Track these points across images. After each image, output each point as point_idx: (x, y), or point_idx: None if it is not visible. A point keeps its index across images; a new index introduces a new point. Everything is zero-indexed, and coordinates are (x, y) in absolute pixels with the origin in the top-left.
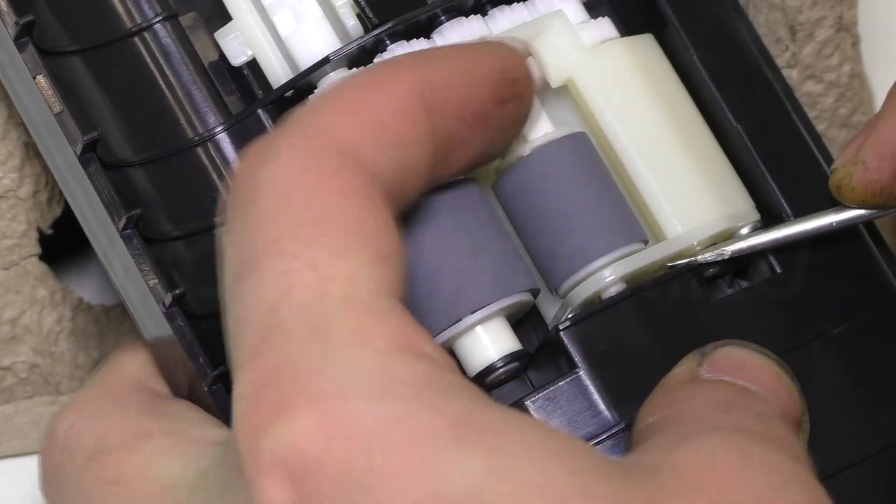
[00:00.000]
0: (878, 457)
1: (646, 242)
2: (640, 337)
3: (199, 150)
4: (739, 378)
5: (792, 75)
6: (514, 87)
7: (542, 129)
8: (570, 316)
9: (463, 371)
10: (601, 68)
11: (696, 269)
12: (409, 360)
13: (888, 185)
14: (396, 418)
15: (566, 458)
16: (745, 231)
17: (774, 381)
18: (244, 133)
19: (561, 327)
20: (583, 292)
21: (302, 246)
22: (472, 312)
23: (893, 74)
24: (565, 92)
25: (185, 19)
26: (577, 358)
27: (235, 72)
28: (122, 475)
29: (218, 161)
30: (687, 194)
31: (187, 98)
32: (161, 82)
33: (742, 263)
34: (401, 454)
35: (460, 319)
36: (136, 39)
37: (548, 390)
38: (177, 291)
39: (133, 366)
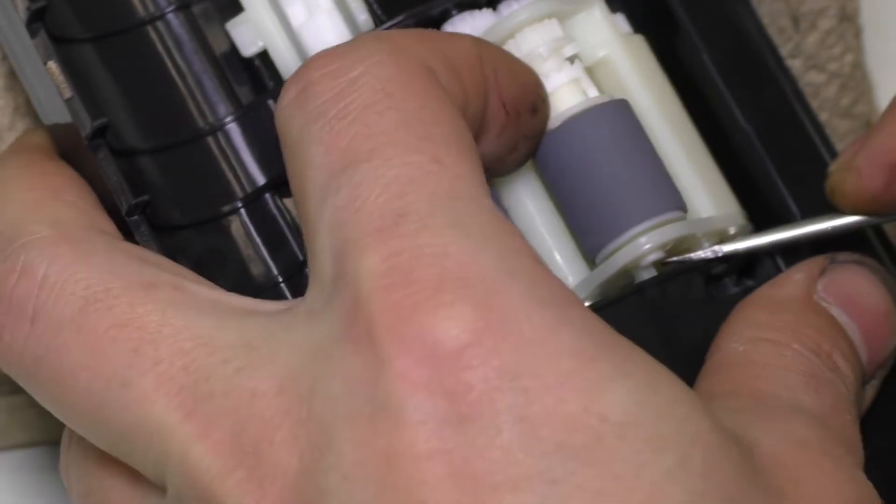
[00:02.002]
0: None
1: (685, 211)
2: (642, 334)
3: (209, 140)
4: (848, 311)
5: (795, 65)
6: (543, 103)
7: (588, 94)
8: (586, 303)
9: None
10: (634, 53)
11: (701, 267)
12: (550, 272)
13: (880, 193)
14: (552, 326)
15: (704, 412)
16: (732, 231)
17: (881, 322)
18: (254, 124)
19: None
20: (619, 260)
21: (422, 140)
22: None
23: (888, 63)
24: (595, 72)
25: (199, 9)
26: None
27: (247, 62)
28: (135, 318)
29: (227, 151)
30: (714, 181)
31: (198, 88)
32: (172, 72)
33: (748, 263)
34: (557, 366)
35: None
36: (149, 28)
37: None
38: None
39: (79, 196)
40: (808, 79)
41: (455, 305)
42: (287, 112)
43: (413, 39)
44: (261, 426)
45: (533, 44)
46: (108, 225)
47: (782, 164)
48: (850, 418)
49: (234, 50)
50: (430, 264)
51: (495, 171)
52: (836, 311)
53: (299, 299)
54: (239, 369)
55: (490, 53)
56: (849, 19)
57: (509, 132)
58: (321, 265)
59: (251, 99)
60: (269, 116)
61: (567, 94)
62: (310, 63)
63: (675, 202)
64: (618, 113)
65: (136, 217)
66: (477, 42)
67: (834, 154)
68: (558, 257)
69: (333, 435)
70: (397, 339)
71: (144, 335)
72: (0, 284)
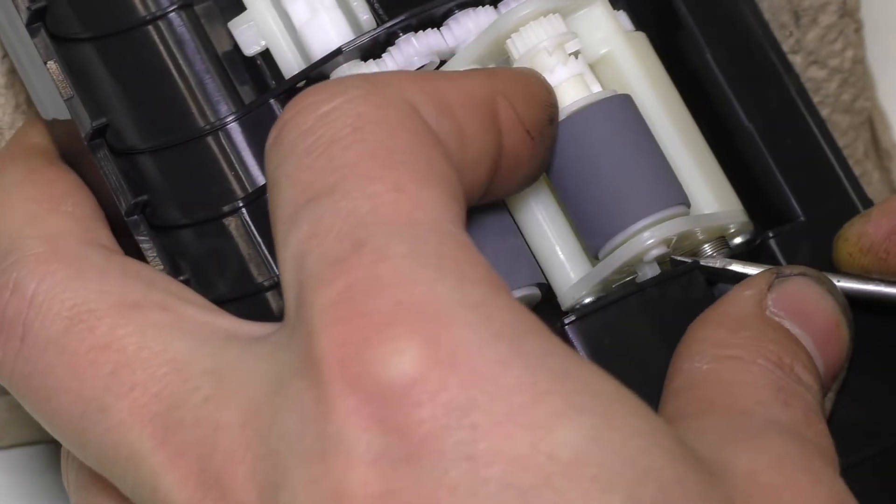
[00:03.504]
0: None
1: (688, 206)
2: (645, 333)
3: (210, 139)
4: (800, 323)
5: (795, 61)
6: (555, 109)
7: (591, 89)
8: (586, 302)
9: None
10: (637, 50)
11: (700, 265)
12: (510, 300)
13: (878, 243)
14: (504, 359)
15: (665, 443)
16: (739, 239)
17: (832, 332)
18: (255, 123)
19: (567, 321)
20: (623, 255)
21: (385, 169)
22: None
23: (889, 58)
24: (598, 68)
25: (201, 8)
26: (581, 352)
27: (249, 62)
28: (115, 340)
29: (228, 150)
30: (716, 178)
31: (199, 87)
32: (173, 71)
33: (754, 260)
34: (507, 402)
35: None
36: (150, 28)
37: None
38: (181, 278)
39: (80, 208)
40: (809, 74)
41: (404, 340)
42: (267, 153)
43: (399, 77)
44: (225, 459)
45: (537, 38)
46: (106, 236)
47: (785, 163)
48: (822, 427)
49: (236, 49)
50: (383, 296)
51: (532, 181)
52: (789, 324)
53: (279, 325)
54: (207, 399)
55: (505, 84)
56: (849, 15)
57: (539, 152)
58: (288, 297)
59: (253, 98)
60: (271, 116)
61: (571, 89)
62: (290, 103)
63: (678, 197)
64: (621, 108)
65: (135, 217)
66: (490, 77)
67: (837, 151)
68: (561, 253)
69: (287, 472)
70: (346, 375)
71: (122, 358)
72: None
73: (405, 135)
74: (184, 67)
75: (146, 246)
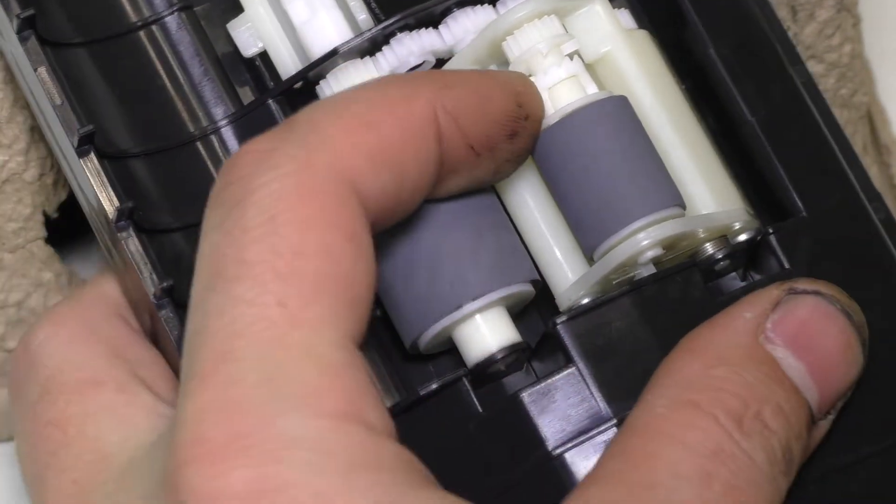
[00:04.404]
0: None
1: (683, 208)
2: (639, 333)
3: (200, 144)
4: (798, 351)
5: None
6: (527, 122)
7: (587, 90)
8: (583, 302)
9: (463, 363)
10: (637, 49)
11: (700, 263)
12: (351, 430)
13: None
14: (324, 495)
15: None
16: (744, 236)
17: (838, 356)
18: (253, 124)
19: (558, 321)
20: (618, 256)
21: (277, 278)
22: (472, 301)
23: (889, 54)
24: (591, 70)
25: (202, 10)
26: (572, 353)
27: (249, 63)
28: (63, 420)
29: (221, 154)
30: (716, 178)
31: (194, 91)
32: (166, 75)
33: (751, 257)
34: None
35: (460, 307)
36: (143, 33)
37: (542, 384)
38: (164, 284)
39: (114, 291)
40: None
41: (233, 471)
42: (206, 209)
43: (345, 133)
44: None
45: (533, 40)
46: (128, 313)
47: (787, 157)
48: (751, 497)
49: (236, 50)
50: (224, 423)
51: (484, 185)
52: (781, 353)
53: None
54: (107, 495)
55: (454, 100)
56: (847, 9)
57: (484, 165)
58: (181, 373)
59: (253, 99)
60: (269, 117)
61: (566, 91)
62: (228, 162)
63: (673, 198)
64: (616, 109)
65: (122, 222)
66: (437, 94)
67: (844, 144)
68: (558, 252)
69: None
70: (176, 495)
71: (64, 439)
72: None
73: (317, 232)
74: (177, 71)
75: (132, 249)
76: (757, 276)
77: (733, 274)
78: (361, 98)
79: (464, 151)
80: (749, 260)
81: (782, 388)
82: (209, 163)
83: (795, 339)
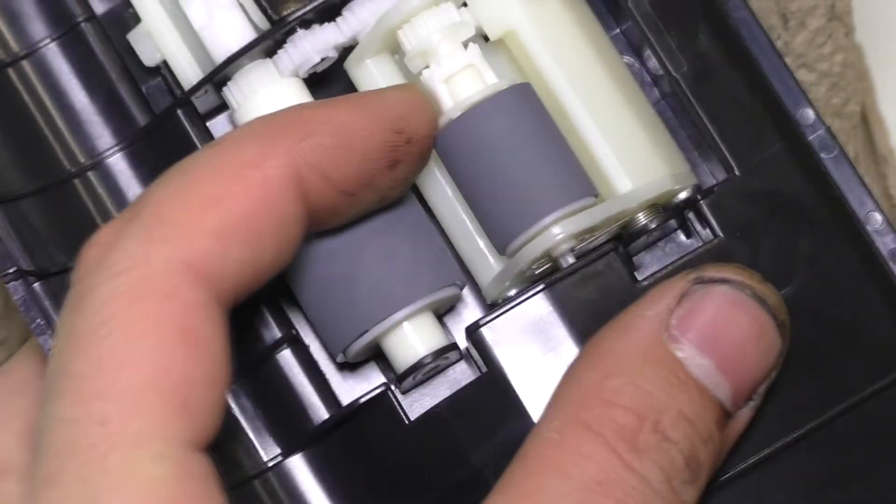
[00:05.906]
0: (843, 416)
1: (596, 196)
2: (562, 329)
3: (78, 181)
4: (704, 346)
5: None
6: (409, 146)
7: (486, 79)
8: (510, 294)
9: (393, 371)
10: (543, 21)
11: (615, 247)
12: None
13: None
14: None
15: None
16: (683, 195)
17: (751, 345)
18: (167, 135)
19: (481, 323)
20: (531, 251)
21: (97, 395)
22: (396, 311)
23: (888, 63)
24: (501, 46)
25: (89, 27)
26: (493, 356)
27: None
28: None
29: (109, 186)
30: (634, 150)
31: (73, 125)
32: (36, 113)
33: (680, 222)
34: None
35: (384, 318)
36: (10, 70)
37: (464, 392)
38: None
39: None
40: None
41: None
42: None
43: (191, 214)
44: None
45: (428, 29)
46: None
47: (716, 113)
48: None
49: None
50: None
51: (373, 208)
52: (686, 352)
53: None
54: None
55: (315, 152)
56: (839, 18)
57: (366, 199)
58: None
59: (168, 105)
60: (178, 130)
61: (464, 82)
62: (84, 249)
63: (582, 189)
64: (518, 99)
65: (13, 283)
66: (296, 147)
67: (791, 93)
68: (481, 244)
69: None
70: None
71: None
72: None
73: (145, 337)
74: (49, 106)
75: (26, 307)
76: (704, 231)
77: (667, 247)
78: (210, 169)
79: (336, 197)
80: (683, 222)
81: (684, 392)
82: (96, 197)
83: (702, 334)
